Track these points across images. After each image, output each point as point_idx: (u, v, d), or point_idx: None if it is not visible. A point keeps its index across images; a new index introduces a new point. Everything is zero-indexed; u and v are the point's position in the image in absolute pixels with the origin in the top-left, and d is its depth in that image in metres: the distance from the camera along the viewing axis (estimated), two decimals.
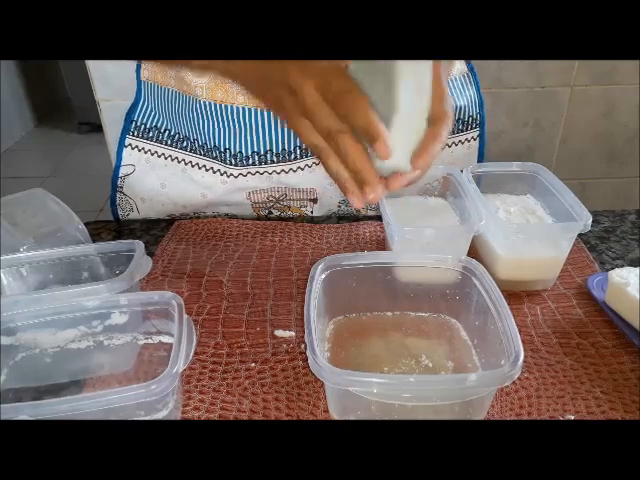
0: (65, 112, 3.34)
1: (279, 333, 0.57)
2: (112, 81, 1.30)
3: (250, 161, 0.75)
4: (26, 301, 0.50)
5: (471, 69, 0.81)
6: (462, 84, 0.81)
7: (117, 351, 0.52)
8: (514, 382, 0.46)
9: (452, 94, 0.79)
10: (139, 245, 0.56)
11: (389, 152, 0.43)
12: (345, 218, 0.79)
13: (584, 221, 0.59)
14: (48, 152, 3.08)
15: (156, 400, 0.42)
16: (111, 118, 1.37)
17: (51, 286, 0.57)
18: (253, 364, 0.54)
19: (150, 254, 0.68)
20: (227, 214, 0.81)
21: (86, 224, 0.66)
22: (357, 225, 0.76)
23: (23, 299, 0.50)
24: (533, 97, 1.55)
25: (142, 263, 0.55)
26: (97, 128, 1.66)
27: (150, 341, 0.53)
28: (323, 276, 0.52)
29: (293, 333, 0.57)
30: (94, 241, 0.64)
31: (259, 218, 0.80)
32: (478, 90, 0.82)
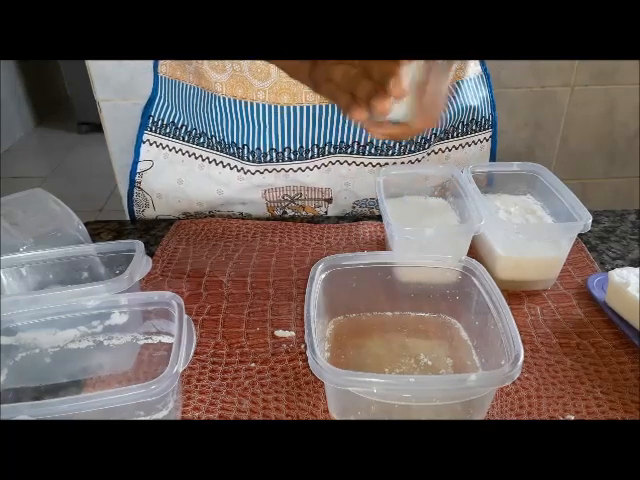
0: (65, 112, 3.34)
1: (279, 333, 0.57)
2: (112, 81, 1.30)
3: (267, 158, 0.76)
4: (26, 301, 0.50)
5: (485, 70, 0.81)
6: (476, 85, 0.80)
7: (117, 351, 0.52)
8: (514, 382, 0.46)
9: (467, 95, 0.79)
10: (139, 245, 0.56)
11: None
12: (345, 218, 0.79)
13: (584, 221, 0.59)
14: (48, 152, 3.08)
15: (156, 400, 0.42)
16: (111, 118, 1.37)
17: (51, 286, 0.57)
18: (253, 364, 0.54)
19: (150, 254, 0.68)
20: (242, 213, 0.81)
21: (86, 224, 0.66)
22: (357, 225, 0.75)
23: (23, 299, 0.50)
24: (533, 97, 1.55)
25: (142, 263, 0.55)
26: (97, 128, 1.66)
27: (150, 341, 0.53)
28: (323, 276, 0.52)
29: (293, 333, 0.57)
30: (94, 241, 0.64)
31: (274, 218, 0.80)
32: (491, 92, 0.82)
